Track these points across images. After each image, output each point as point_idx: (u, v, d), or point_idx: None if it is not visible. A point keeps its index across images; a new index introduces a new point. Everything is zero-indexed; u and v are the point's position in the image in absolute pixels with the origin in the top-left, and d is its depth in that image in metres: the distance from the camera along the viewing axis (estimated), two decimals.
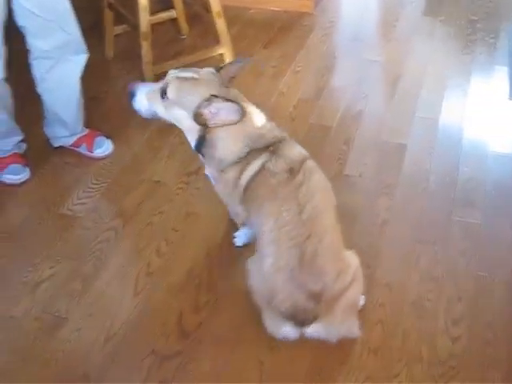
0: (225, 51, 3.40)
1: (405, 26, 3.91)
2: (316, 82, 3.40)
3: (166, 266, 2.42)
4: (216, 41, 3.43)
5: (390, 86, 3.36)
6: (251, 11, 4.10)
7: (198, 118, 2.03)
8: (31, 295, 2.34)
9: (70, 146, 2.94)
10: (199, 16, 3.85)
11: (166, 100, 2.08)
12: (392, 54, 3.63)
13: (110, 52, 3.62)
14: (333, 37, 3.87)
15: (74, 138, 2.92)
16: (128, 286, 2.35)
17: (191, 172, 2.83)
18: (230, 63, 2.24)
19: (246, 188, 2.08)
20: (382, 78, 3.48)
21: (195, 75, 2.08)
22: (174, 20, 3.78)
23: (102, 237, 2.55)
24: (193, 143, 2.16)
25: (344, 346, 2.11)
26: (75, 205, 2.70)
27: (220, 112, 2.00)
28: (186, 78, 2.07)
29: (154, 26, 3.27)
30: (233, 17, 3.81)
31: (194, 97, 2.03)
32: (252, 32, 3.89)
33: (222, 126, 2.03)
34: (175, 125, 2.16)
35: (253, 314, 2.20)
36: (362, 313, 2.18)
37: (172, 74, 2.11)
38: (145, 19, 3.13)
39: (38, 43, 2.64)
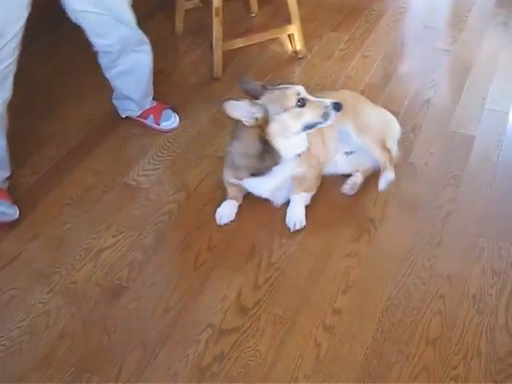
0: (294, 32, 3.38)
1: (477, 16, 3.84)
2: (384, 68, 3.36)
3: (228, 242, 2.42)
4: (285, 21, 3.41)
5: (460, 75, 3.30)
6: None
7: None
8: (93, 262, 2.37)
9: (138, 116, 2.96)
10: None
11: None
12: (463, 44, 3.57)
13: (179, 26, 3.63)
14: (403, 23, 3.82)
15: (142, 110, 2.95)
16: (188, 260, 2.36)
17: None
18: None
19: None
20: (452, 67, 3.41)
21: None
22: None
23: (165, 209, 2.57)
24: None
25: (402, 334, 2.10)
26: (140, 176, 2.72)
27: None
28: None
29: (225, 3, 3.26)
30: None
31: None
32: (321, 14, 3.86)
33: None
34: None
35: (310, 297, 2.22)
36: (420, 302, 2.18)
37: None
38: None
39: (98, 41, 2.67)
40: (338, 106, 2.31)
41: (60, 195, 2.66)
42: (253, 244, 2.41)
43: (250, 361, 2.04)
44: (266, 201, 2.56)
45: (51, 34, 3.69)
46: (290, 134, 2.33)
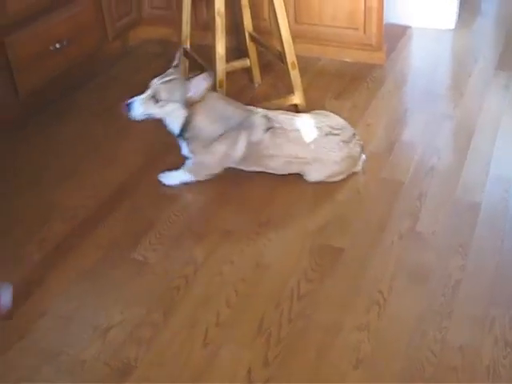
0: (297, 101, 3.42)
1: (478, 79, 3.88)
2: (387, 136, 3.38)
3: (236, 318, 2.40)
4: (288, 90, 3.45)
5: (463, 141, 3.32)
6: (322, 61, 4.14)
7: (188, 101, 2.84)
8: (101, 340, 2.34)
9: None
10: (272, 65, 3.91)
11: (160, 101, 2.83)
12: (465, 109, 3.60)
13: None
14: (404, 89, 3.86)
15: None
16: (197, 336, 2.34)
17: (262, 222, 2.83)
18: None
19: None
20: (455, 132, 3.44)
21: (172, 76, 2.87)
22: (247, 68, 3.83)
23: (173, 284, 2.55)
24: (177, 130, 2.95)
25: None
26: (147, 250, 2.72)
27: (198, 84, 2.83)
28: (169, 81, 2.85)
29: (228, 74, 3.31)
30: (304, 66, 3.84)
31: (181, 89, 2.85)
32: (323, 82, 3.91)
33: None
34: (163, 120, 2.93)
35: (321, 373, 2.18)
36: (433, 376, 2.14)
37: (156, 82, 2.85)
38: (221, 67, 3.18)
39: None
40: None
41: (67, 272, 2.65)
42: (261, 319, 2.39)
43: None
44: (274, 275, 2.56)
45: (64, 101, 3.76)
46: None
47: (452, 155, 3.26)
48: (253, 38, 3.68)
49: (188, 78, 2.88)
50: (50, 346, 2.34)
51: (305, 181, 3.04)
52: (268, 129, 2.93)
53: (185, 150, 3.01)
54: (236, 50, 3.96)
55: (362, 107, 3.63)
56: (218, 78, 3.19)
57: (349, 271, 2.57)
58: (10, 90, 3.48)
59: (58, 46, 3.66)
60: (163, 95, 2.82)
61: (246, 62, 3.79)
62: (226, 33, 3.19)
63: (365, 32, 3.98)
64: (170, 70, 2.91)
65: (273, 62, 3.87)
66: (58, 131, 3.59)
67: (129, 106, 2.81)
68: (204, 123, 2.92)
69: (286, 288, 2.51)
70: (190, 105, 2.85)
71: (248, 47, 3.71)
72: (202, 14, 4.26)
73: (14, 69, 3.46)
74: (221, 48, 3.14)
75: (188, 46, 3.54)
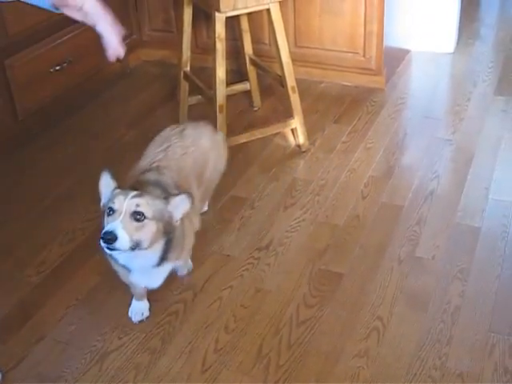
0: (297, 125, 3.42)
1: (477, 104, 3.89)
2: (387, 160, 3.39)
3: (235, 343, 2.39)
4: (288, 114, 3.45)
5: (462, 165, 3.32)
6: (322, 85, 4.15)
7: (169, 223, 2.19)
8: (99, 365, 2.33)
9: None
10: (272, 89, 3.92)
11: (142, 221, 2.09)
12: (464, 133, 3.60)
13: (183, 122, 3.68)
14: (404, 113, 3.87)
15: None
16: (196, 362, 2.32)
17: (262, 247, 2.82)
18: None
19: None
20: (455, 157, 3.44)
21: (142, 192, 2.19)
22: (246, 92, 3.84)
23: (171, 309, 2.54)
24: (157, 257, 2.24)
25: None
26: None
27: (178, 205, 2.18)
28: (146, 195, 2.15)
29: (227, 97, 3.31)
30: (304, 90, 3.86)
31: (161, 205, 2.15)
32: (323, 106, 3.92)
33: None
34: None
35: None
36: None
37: (129, 196, 2.11)
38: (221, 92, 3.18)
39: None
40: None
41: (65, 296, 2.64)
42: (260, 345, 2.37)
43: None
44: (273, 301, 2.55)
45: (63, 122, 3.77)
46: None
47: (451, 179, 3.26)
48: (253, 62, 3.69)
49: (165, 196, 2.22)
50: (47, 370, 2.33)
51: (304, 206, 3.04)
52: None
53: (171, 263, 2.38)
54: (236, 73, 3.97)
55: (362, 131, 3.64)
56: (218, 103, 3.19)
57: (348, 297, 2.56)
58: (9, 111, 3.49)
59: (57, 67, 3.68)
60: (149, 213, 2.10)
61: (246, 86, 3.80)
62: (226, 56, 3.19)
63: (364, 56, 3.99)
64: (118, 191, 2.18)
65: (273, 85, 3.89)
66: (56, 153, 3.59)
67: (112, 237, 2.04)
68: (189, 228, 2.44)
69: (285, 314, 2.50)
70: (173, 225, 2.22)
71: (248, 71, 3.72)
72: (202, 37, 4.28)
73: (14, 90, 3.47)
74: (221, 73, 3.15)
75: (188, 69, 3.54)
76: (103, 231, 2.04)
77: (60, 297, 2.64)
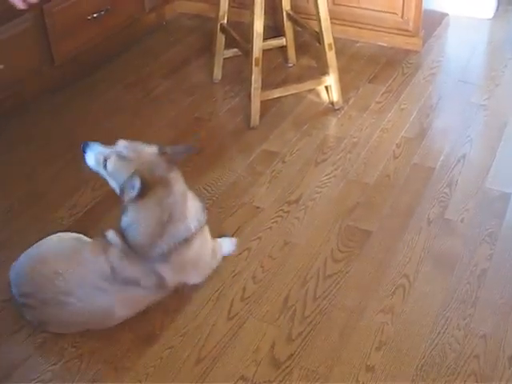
0: (331, 83, 3.41)
1: None
2: (420, 122, 3.37)
3: (261, 293, 2.42)
4: (322, 72, 3.44)
5: (496, 131, 3.29)
6: (358, 44, 4.11)
7: (122, 192, 2.22)
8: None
9: None
10: (307, 45, 3.90)
11: (106, 170, 2.27)
12: (499, 99, 3.56)
13: (218, 74, 3.68)
14: (439, 77, 3.83)
15: None
16: (222, 310, 2.36)
17: (292, 201, 2.84)
18: (176, 149, 2.32)
19: None
20: (488, 122, 3.41)
21: (133, 154, 2.24)
22: (282, 47, 3.82)
23: None
24: None
25: None
26: None
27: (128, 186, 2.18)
28: (123, 157, 2.23)
29: (263, 52, 3.30)
30: (339, 48, 3.81)
31: (123, 174, 2.21)
32: (357, 65, 3.89)
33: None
34: None
35: (343, 353, 2.20)
36: (455, 362, 2.15)
37: (118, 147, 2.27)
38: (258, 45, 3.17)
39: None
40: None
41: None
42: (286, 296, 2.41)
43: None
44: (300, 254, 2.58)
45: (98, 71, 3.79)
46: None
47: (484, 145, 3.23)
48: (290, 18, 3.66)
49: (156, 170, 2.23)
50: None
51: (335, 163, 3.05)
52: None
53: None
54: (272, 30, 3.95)
55: (396, 92, 3.61)
56: (254, 56, 3.17)
57: (375, 254, 2.58)
58: (46, 55, 3.50)
59: (95, 15, 3.67)
60: (109, 167, 2.26)
61: (282, 42, 3.77)
62: (264, 11, 3.17)
63: (402, 17, 3.94)
64: (150, 149, 2.29)
65: (309, 42, 3.87)
66: (91, 101, 3.61)
67: (83, 149, 2.35)
68: None
69: (312, 267, 2.52)
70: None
71: (285, 27, 3.69)
72: None
73: (51, 35, 3.48)
74: (259, 26, 3.13)
75: (225, 22, 3.53)
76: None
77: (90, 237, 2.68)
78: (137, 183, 2.14)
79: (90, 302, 2.24)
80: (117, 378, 2.15)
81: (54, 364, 2.20)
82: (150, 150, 2.26)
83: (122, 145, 2.27)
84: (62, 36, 3.54)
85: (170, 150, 2.27)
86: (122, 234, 2.28)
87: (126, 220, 2.28)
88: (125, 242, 2.27)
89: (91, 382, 2.14)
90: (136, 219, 2.26)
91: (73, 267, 2.25)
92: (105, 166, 2.26)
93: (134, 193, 2.15)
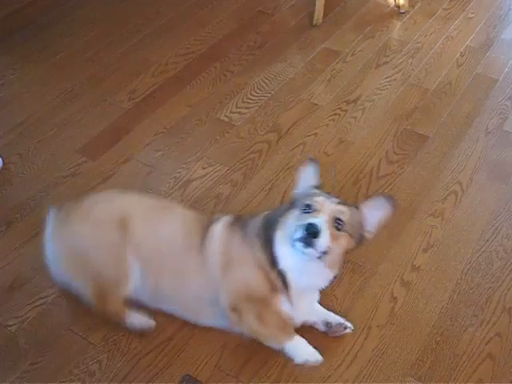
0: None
1: None
2: (487, 32, 3.28)
3: None
4: None
5: None
6: None
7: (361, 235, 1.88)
8: (182, 191, 2.42)
9: None
10: None
11: (340, 230, 1.80)
12: None
13: None
14: None
15: None
16: (274, 200, 2.39)
17: (350, 100, 2.83)
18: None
19: None
20: None
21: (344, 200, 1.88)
22: None
23: (255, 148, 2.60)
24: (329, 280, 1.92)
25: (479, 298, 2.09)
26: (233, 113, 2.76)
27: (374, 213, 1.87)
28: (348, 205, 1.85)
29: None
30: None
31: (357, 216, 1.86)
32: None
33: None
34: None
35: (391, 251, 2.23)
36: (501, 270, 2.17)
37: (334, 200, 1.83)
38: None
39: None
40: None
41: (153, 123, 2.72)
42: (339, 193, 2.41)
43: (326, 304, 2.06)
44: (355, 153, 2.58)
45: None
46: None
47: None
48: None
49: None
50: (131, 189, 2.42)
51: (397, 66, 3.01)
52: None
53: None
54: None
55: (465, 0, 3.51)
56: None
57: (430, 159, 2.57)
58: None
59: None
60: (347, 222, 1.81)
61: None
62: None
63: None
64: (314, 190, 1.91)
65: None
66: None
67: (315, 230, 1.74)
68: None
69: (366, 166, 2.53)
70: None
71: None
72: None
73: None
74: None
75: None
76: (307, 222, 1.74)
77: (149, 124, 2.72)
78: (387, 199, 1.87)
79: None
80: None
81: None
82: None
83: (331, 200, 1.83)
84: None
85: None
86: None
87: None
88: None
89: None
90: None
91: None
92: (340, 228, 1.80)
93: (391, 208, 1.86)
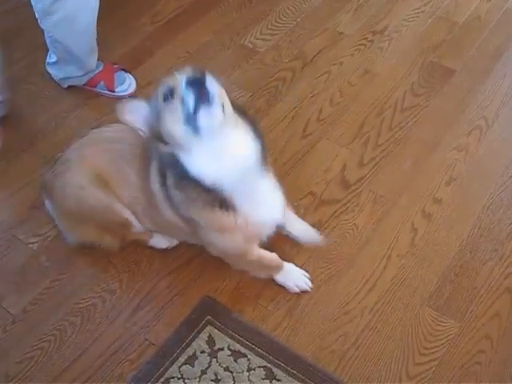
0: None
1: None
2: None
3: (337, 117, 2.42)
4: None
5: None
6: None
7: None
8: None
9: (85, 85, 2.53)
10: None
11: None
12: None
13: None
14: None
15: (88, 77, 2.50)
16: (297, 127, 2.38)
17: (377, 31, 2.78)
18: None
19: None
20: None
21: None
22: None
23: (279, 75, 2.57)
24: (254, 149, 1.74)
25: (499, 234, 2.08)
26: (257, 39, 2.72)
27: None
28: None
29: None
30: None
31: None
32: None
33: None
34: None
35: (413, 182, 2.22)
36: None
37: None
38: None
39: None
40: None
41: (176, 47, 2.69)
42: (362, 123, 2.41)
43: (346, 233, 2.08)
44: (380, 84, 2.55)
45: None
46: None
47: None
48: None
49: None
50: None
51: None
52: None
53: None
54: None
55: None
56: None
57: (457, 93, 2.53)
58: None
59: None
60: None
61: None
62: None
63: None
64: None
65: None
66: None
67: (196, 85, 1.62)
68: None
69: (391, 98, 2.50)
70: None
71: None
72: None
73: None
74: None
75: None
76: (183, 89, 1.61)
77: (171, 48, 2.69)
78: None
79: None
80: None
81: None
82: None
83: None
84: None
85: None
86: None
87: None
88: None
89: None
90: None
91: None
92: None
93: None
